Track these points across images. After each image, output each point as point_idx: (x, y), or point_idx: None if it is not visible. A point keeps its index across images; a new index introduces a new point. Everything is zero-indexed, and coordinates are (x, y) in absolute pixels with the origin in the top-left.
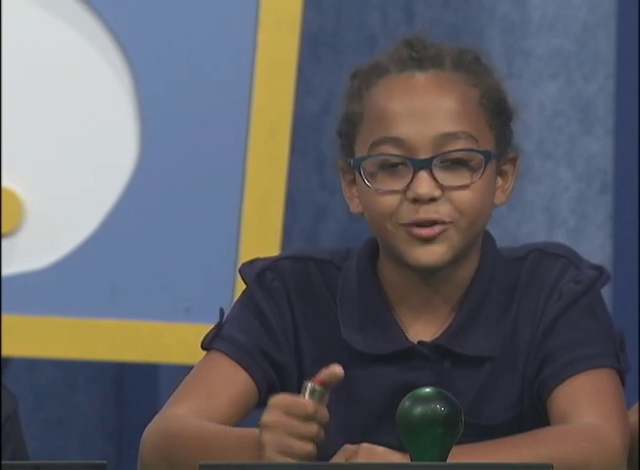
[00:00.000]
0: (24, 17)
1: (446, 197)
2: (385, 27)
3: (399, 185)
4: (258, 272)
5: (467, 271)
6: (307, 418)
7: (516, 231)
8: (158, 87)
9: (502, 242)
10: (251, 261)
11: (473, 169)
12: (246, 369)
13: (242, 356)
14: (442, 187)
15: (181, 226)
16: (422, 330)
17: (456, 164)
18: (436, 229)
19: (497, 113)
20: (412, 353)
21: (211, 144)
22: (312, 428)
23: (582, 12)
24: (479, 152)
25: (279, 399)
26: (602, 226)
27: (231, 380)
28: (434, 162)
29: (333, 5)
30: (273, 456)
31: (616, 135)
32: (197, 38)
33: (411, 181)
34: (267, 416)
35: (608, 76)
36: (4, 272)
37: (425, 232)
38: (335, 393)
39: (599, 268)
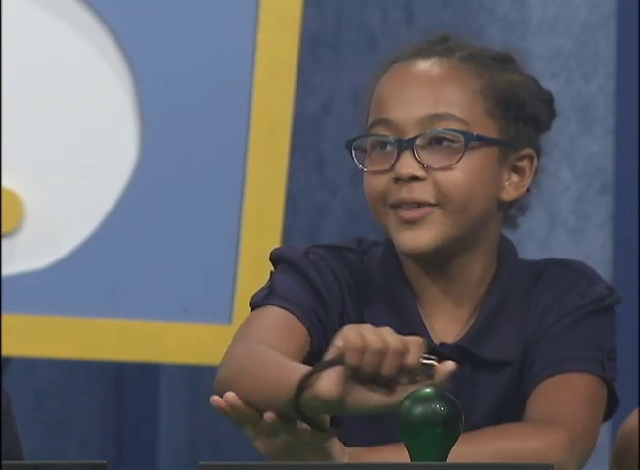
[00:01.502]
0: (25, 17)
1: (432, 178)
2: (385, 27)
3: (388, 165)
4: (304, 251)
5: (483, 266)
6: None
7: (516, 231)
8: (158, 87)
9: None
10: (286, 246)
11: (457, 151)
12: (304, 324)
13: (301, 313)
14: (426, 168)
15: (181, 226)
16: (445, 329)
17: (441, 145)
18: (420, 212)
19: (504, 105)
20: (434, 354)
21: (211, 144)
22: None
23: (582, 12)
24: (458, 132)
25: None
26: (602, 226)
27: (293, 330)
28: (418, 142)
29: (333, 5)
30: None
31: (616, 135)
32: (197, 38)
33: (396, 161)
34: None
35: (608, 76)
36: (4, 272)
37: (408, 215)
38: None
39: (610, 288)
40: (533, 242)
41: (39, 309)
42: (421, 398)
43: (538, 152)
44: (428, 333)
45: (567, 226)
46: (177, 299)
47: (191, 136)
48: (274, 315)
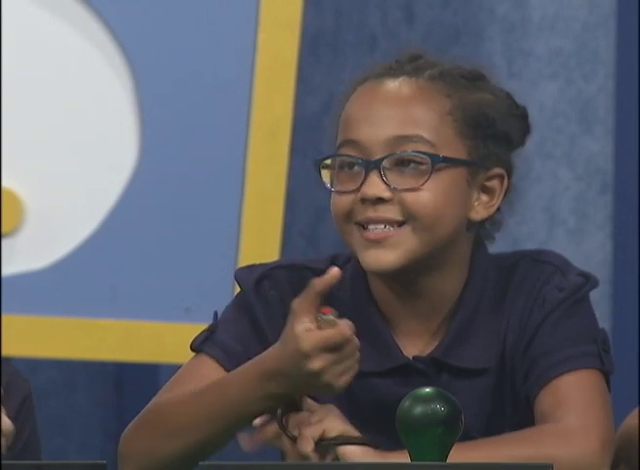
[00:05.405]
0: (25, 17)
1: (398, 199)
2: (385, 27)
3: (355, 186)
4: (257, 279)
5: (454, 283)
6: (347, 342)
7: (516, 231)
8: (158, 87)
9: (502, 242)
10: (248, 267)
11: (424, 173)
12: None
13: (230, 364)
14: (393, 189)
15: (181, 226)
16: (416, 343)
17: (408, 166)
18: (384, 233)
19: (473, 125)
20: (408, 369)
21: (211, 144)
22: (354, 347)
23: (582, 12)
24: (425, 154)
25: (314, 341)
26: (602, 226)
27: None
28: (384, 163)
29: (333, 5)
30: (338, 384)
31: (616, 135)
32: (197, 38)
33: (363, 182)
34: (314, 363)
35: (608, 76)
36: (4, 272)
37: (372, 235)
38: (336, 408)
39: (585, 275)
40: (533, 242)
41: (39, 309)
42: (421, 397)
43: (510, 171)
44: (399, 349)
45: (567, 226)
46: (177, 299)
47: (191, 136)
48: (203, 369)
